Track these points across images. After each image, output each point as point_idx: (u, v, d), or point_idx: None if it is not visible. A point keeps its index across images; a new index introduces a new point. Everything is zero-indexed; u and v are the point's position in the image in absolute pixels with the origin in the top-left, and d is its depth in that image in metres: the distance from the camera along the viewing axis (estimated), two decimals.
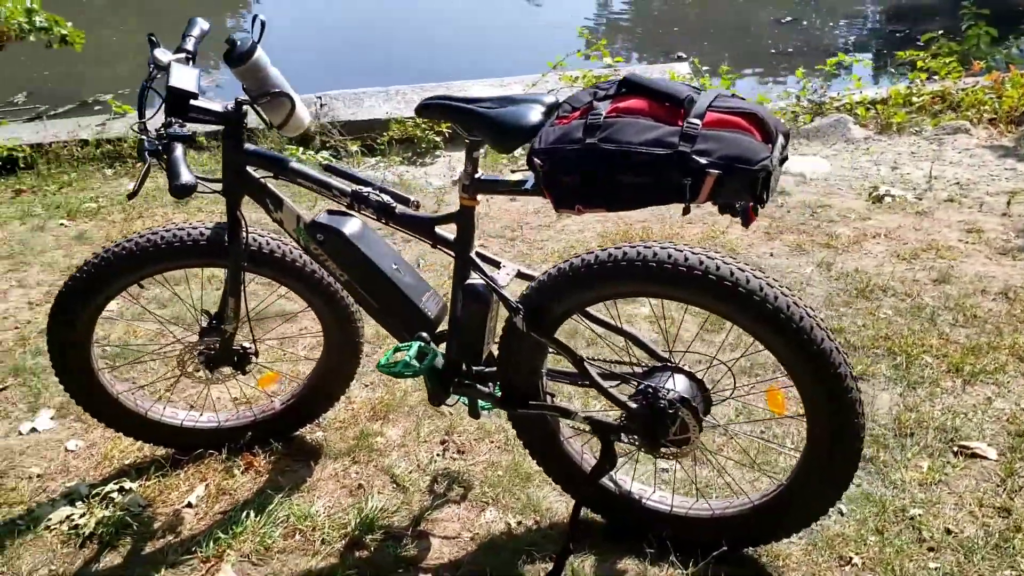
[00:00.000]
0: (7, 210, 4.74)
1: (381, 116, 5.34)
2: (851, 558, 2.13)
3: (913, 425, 2.54)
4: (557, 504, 2.34)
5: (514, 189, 1.90)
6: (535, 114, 1.83)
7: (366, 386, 2.89)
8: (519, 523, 2.31)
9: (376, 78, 6.13)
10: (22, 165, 5.28)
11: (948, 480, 2.35)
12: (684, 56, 9.33)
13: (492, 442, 2.59)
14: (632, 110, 1.73)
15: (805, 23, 10.24)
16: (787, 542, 2.17)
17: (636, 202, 1.73)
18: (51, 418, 2.87)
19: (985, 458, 2.42)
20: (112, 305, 2.94)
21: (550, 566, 2.11)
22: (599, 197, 1.73)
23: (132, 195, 2.00)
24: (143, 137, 1.94)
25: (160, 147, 1.90)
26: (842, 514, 2.26)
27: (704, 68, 5.96)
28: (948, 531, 2.19)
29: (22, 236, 4.37)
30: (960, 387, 2.71)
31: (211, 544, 2.29)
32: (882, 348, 2.89)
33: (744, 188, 1.64)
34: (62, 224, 4.50)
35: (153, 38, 2.09)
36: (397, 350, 2.10)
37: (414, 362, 2.05)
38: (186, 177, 1.82)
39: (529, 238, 3.93)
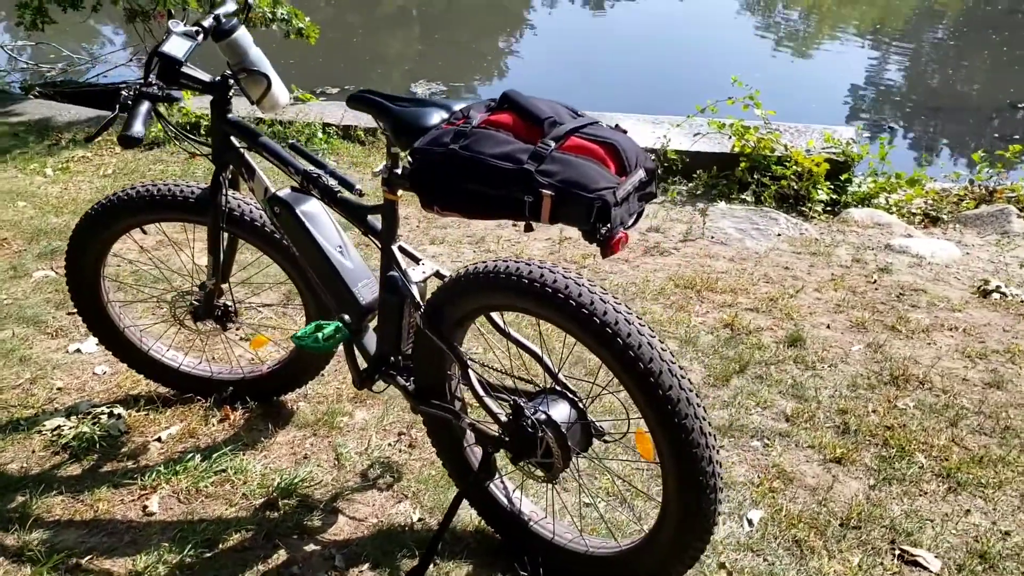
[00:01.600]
0: (179, 169, 5.29)
1: None
2: None
3: (864, 518, 2.37)
4: (468, 515, 2.36)
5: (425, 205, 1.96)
6: (433, 117, 1.90)
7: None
8: (421, 520, 2.37)
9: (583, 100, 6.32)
10: (203, 132, 5.83)
11: None
12: (893, 127, 8.93)
13: None
14: (498, 123, 1.77)
15: None
16: None
17: (486, 212, 1.77)
18: (96, 344, 3.20)
19: (925, 569, 2.22)
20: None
21: None
22: (455, 202, 1.78)
23: (89, 139, 2.26)
24: (123, 91, 2.17)
25: (129, 99, 2.12)
26: None
27: (866, 135, 5.66)
28: None
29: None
30: (942, 493, 2.48)
31: (151, 475, 2.50)
32: (880, 438, 2.70)
33: (580, 214, 1.64)
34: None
35: (171, 11, 2.33)
36: (318, 327, 2.22)
37: (320, 339, 2.17)
38: (134, 130, 2.03)
39: (602, 269, 3.93)
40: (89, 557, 2.23)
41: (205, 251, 2.53)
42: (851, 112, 9.64)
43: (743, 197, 5.02)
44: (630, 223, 1.73)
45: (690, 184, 5.23)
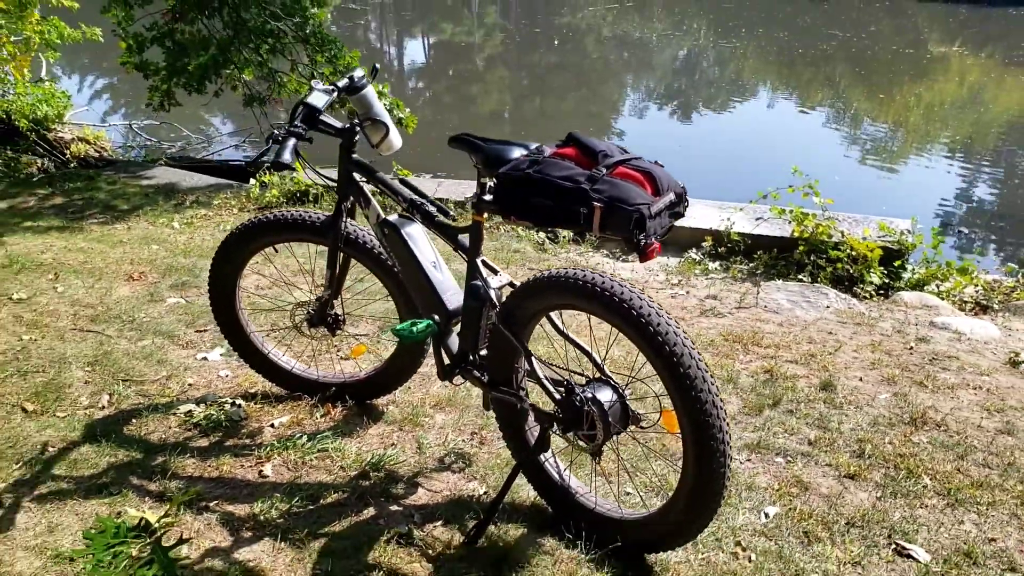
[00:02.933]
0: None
1: None
2: None
3: (867, 520, 2.75)
4: (525, 493, 2.81)
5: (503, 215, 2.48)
6: (514, 152, 2.43)
7: (444, 386, 3.52)
8: (487, 494, 2.83)
9: None
10: (311, 198, 6.53)
11: (865, 565, 2.55)
12: (964, 231, 9.24)
13: None
14: (563, 155, 2.30)
15: None
16: (678, 560, 2.51)
17: (551, 221, 2.28)
18: (220, 354, 3.78)
19: (916, 560, 2.58)
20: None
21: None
22: (527, 212, 2.30)
23: (250, 163, 2.85)
24: (274, 131, 2.76)
25: (280, 137, 2.69)
26: (750, 560, 2.55)
27: (919, 226, 6.05)
28: None
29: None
30: (940, 507, 2.84)
31: (265, 449, 3.02)
32: (891, 462, 3.07)
33: (622, 223, 2.14)
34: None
35: (316, 75, 2.93)
36: (413, 323, 2.73)
37: (415, 331, 2.67)
38: (284, 157, 2.58)
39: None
40: (216, 501, 2.75)
41: (305, 274, 3.08)
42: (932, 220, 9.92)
43: (800, 277, 5.43)
44: (663, 234, 2.22)
45: (751, 264, 5.67)
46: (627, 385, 2.50)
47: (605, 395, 2.44)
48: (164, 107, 7.82)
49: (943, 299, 5.40)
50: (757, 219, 6.02)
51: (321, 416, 3.28)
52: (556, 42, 20.82)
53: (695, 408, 2.22)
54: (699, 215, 6.18)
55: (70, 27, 9.17)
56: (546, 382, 2.52)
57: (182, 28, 7.46)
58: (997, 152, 11.86)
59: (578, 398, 2.42)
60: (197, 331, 4.04)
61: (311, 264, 3.62)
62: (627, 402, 2.46)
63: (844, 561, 2.57)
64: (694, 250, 5.92)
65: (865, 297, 5.23)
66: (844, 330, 4.46)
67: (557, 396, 2.49)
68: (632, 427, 2.50)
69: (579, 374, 2.58)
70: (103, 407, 3.31)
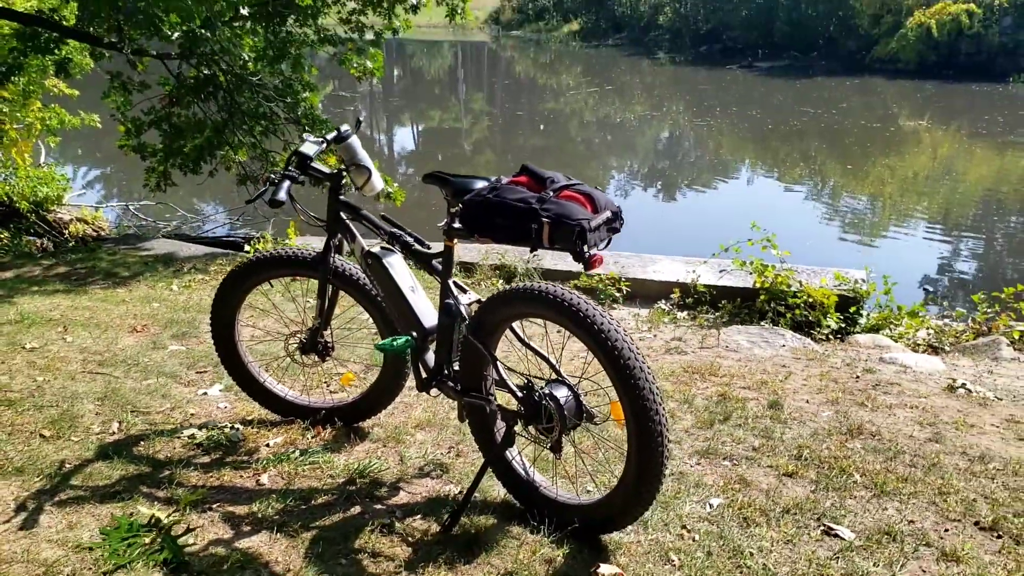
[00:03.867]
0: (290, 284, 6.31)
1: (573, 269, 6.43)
2: (672, 559, 2.76)
3: (801, 508, 3.08)
4: (496, 491, 3.14)
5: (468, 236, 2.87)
6: (477, 184, 2.83)
7: (426, 410, 3.86)
8: (461, 493, 3.15)
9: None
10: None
11: (796, 543, 2.88)
12: (930, 290, 9.67)
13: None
14: (517, 182, 2.71)
15: None
16: (630, 540, 2.84)
17: (508, 238, 2.66)
18: (219, 390, 4.12)
19: (841, 538, 2.91)
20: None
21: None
22: (488, 231, 2.69)
23: (248, 201, 3.24)
24: (271, 175, 3.15)
25: (276, 179, 3.08)
26: (694, 540, 2.88)
27: (872, 274, 6.46)
28: (765, 567, 2.75)
29: (278, 301, 5.86)
30: (867, 497, 3.18)
31: (262, 463, 3.35)
32: (827, 463, 3.41)
33: (567, 236, 2.52)
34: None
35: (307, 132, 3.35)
36: (393, 339, 3.09)
37: (395, 344, 3.04)
38: (279, 196, 2.98)
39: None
40: (218, 504, 3.07)
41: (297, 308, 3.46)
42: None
43: (761, 324, 5.82)
44: (603, 247, 2.60)
45: (716, 313, 6.06)
46: (578, 384, 2.85)
47: (561, 392, 2.79)
48: (161, 187, 8.19)
49: (896, 341, 5.79)
50: (721, 271, 6.43)
51: (312, 437, 3.61)
52: (542, 126, 21.54)
53: (635, 394, 2.57)
54: (667, 269, 6.60)
55: (70, 114, 9.69)
56: (510, 383, 2.88)
57: (178, 112, 7.88)
58: (973, 219, 12.36)
59: (537, 394, 2.77)
60: (198, 372, 4.39)
61: (303, 301, 3.99)
62: (581, 399, 2.81)
63: (777, 540, 2.89)
64: (663, 301, 6.31)
65: (821, 339, 5.60)
66: (797, 364, 4.83)
67: (519, 395, 2.84)
68: (587, 422, 2.85)
69: (539, 378, 2.93)
70: (113, 433, 3.63)
